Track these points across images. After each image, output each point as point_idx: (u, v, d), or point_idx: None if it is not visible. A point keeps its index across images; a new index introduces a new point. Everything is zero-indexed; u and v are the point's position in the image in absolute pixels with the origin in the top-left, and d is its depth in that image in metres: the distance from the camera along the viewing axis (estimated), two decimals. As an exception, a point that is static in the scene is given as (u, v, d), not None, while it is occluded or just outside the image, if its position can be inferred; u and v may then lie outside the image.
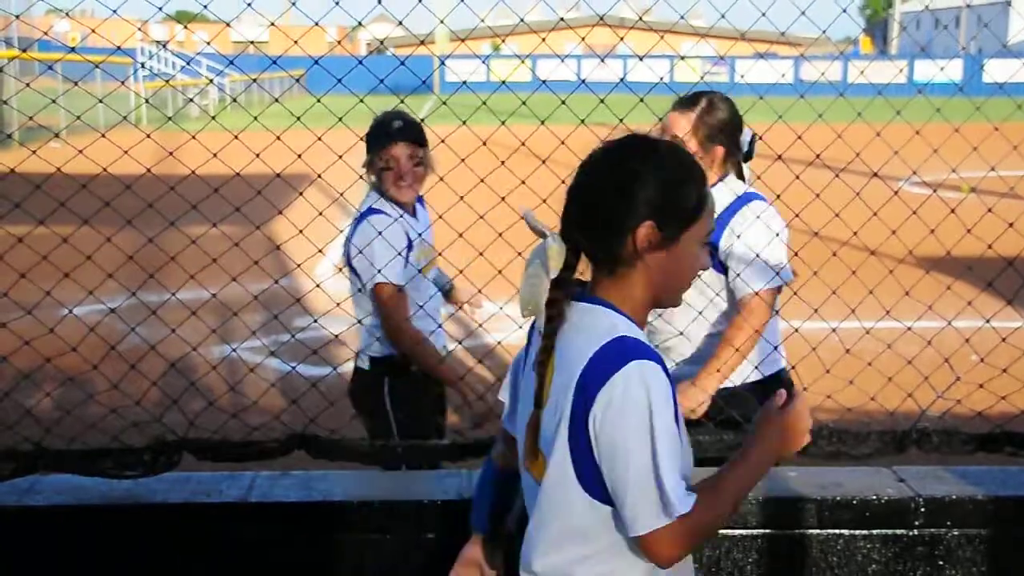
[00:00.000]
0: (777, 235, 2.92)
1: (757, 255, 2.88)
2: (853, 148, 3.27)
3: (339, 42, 3.26)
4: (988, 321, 3.29)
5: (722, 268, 2.96)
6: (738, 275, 2.90)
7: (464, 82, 2.92)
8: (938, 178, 9.72)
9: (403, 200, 3.41)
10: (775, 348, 3.03)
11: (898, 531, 2.51)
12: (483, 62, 4.15)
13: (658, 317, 2.97)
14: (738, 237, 2.91)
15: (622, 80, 3.09)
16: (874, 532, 2.51)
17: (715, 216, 1.81)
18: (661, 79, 3.25)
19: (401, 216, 3.38)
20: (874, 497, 2.52)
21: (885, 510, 2.52)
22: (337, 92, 3.22)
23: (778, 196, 3.02)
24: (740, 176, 3.10)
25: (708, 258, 1.79)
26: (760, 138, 3.11)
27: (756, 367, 2.95)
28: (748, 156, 3.13)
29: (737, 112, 3.07)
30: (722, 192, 2.98)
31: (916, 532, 2.51)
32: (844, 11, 3.06)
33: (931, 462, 2.78)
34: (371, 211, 3.36)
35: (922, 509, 2.52)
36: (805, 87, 3.28)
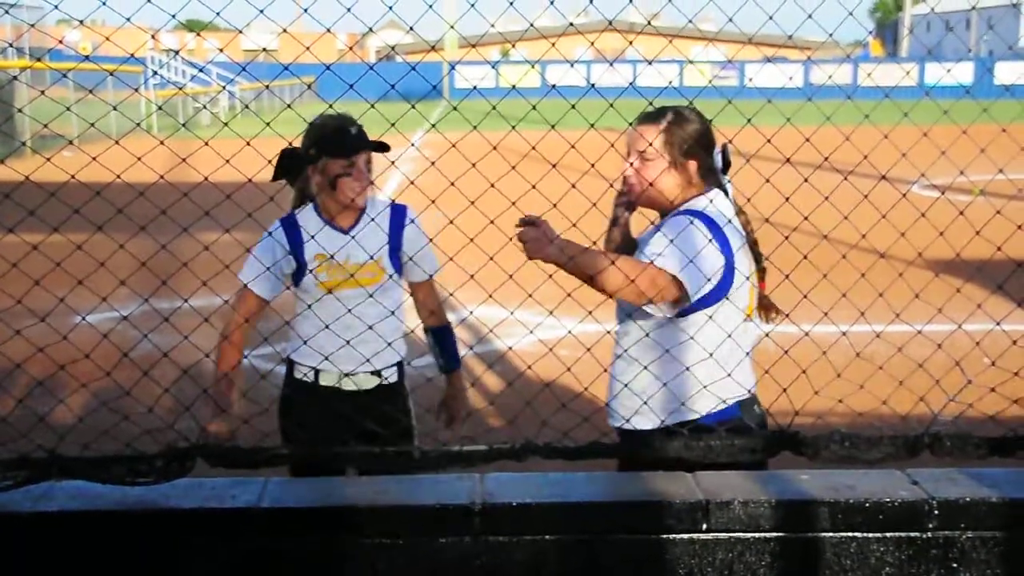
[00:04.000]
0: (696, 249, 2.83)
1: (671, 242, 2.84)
2: (861, 151, 3.27)
3: (350, 48, 3.27)
4: (999, 324, 3.28)
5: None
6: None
7: (475, 87, 2.93)
8: (947, 180, 9.71)
9: (358, 205, 3.41)
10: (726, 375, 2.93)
11: (912, 533, 2.51)
12: (493, 67, 4.18)
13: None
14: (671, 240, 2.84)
15: (631, 84, 3.09)
16: (888, 535, 2.50)
17: None
18: (670, 83, 3.26)
19: (320, 221, 3.38)
20: (887, 500, 2.52)
21: (899, 512, 2.51)
22: (347, 99, 3.24)
23: (787, 199, 3.02)
24: (723, 189, 3.04)
25: None
26: (731, 143, 3.08)
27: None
28: (725, 167, 3.09)
29: (707, 122, 3.02)
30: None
31: (930, 535, 2.51)
32: (851, 14, 3.05)
33: (944, 465, 2.78)
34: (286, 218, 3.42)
35: (936, 512, 2.51)
36: (814, 90, 3.28)
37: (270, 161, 3.30)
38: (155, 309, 3.21)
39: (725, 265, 2.85)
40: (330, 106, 3.32)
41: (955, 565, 2.51)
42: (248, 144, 2.75)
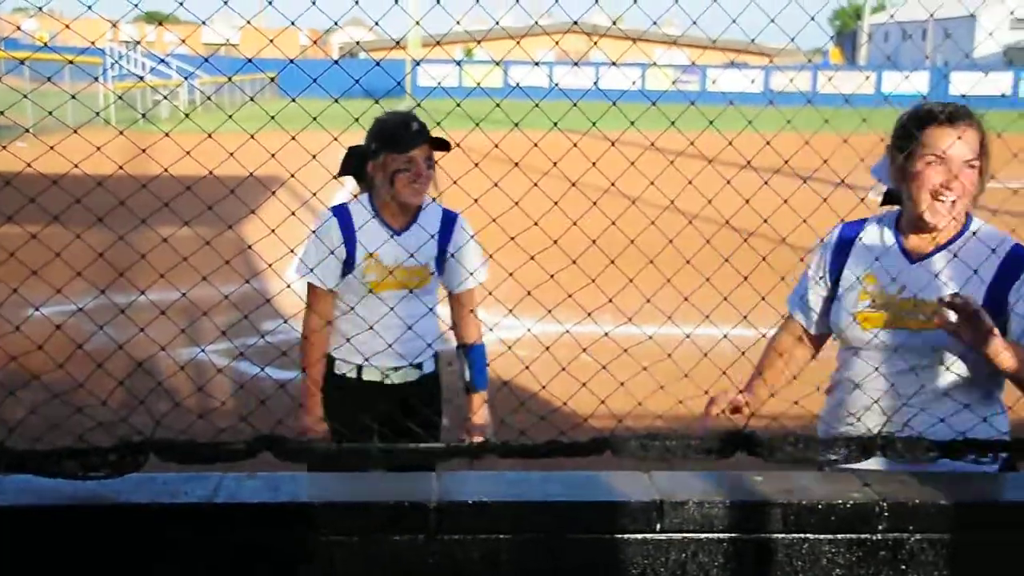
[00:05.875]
0: None
1: None
2: (821, 155, 3.31)
3: (314, 42, 3.25)
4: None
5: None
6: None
7: (439, 84, 2.93)
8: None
9: (414, 203, 3.42)
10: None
11: (862, 535, 2.54)
12: (457, 65, 4.20)
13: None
14: None
15: (595, 85, 3.11)
16: (839, 536, 2.53)
17: None
18: (633, 84, 3.28)
19: (372, 219, 3.38)
20: (839, 501, 2.54)
21: (850, 514, 2.54)
22: (308, 95, 3.22)
23: (747, 201, 3.04)
24: None
25: None
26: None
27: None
28: None
29: None
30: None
31: (880, 536, 2.54)
32: (812, 19, 3.08)
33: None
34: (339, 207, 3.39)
35: (886, 513, 2.55)
36: (774, 95, 3.31)
37: (231, 154, 3.28)
38: (111, 301, 3.17)
39: None
40: (293, 100, 3.29)
41: (903, 567, 2.54)
42: (210, 136, 2.74)
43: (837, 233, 3.08)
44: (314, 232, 3.41)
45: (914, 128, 2.79)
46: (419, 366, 3.62)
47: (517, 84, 2.90)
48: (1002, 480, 2.84)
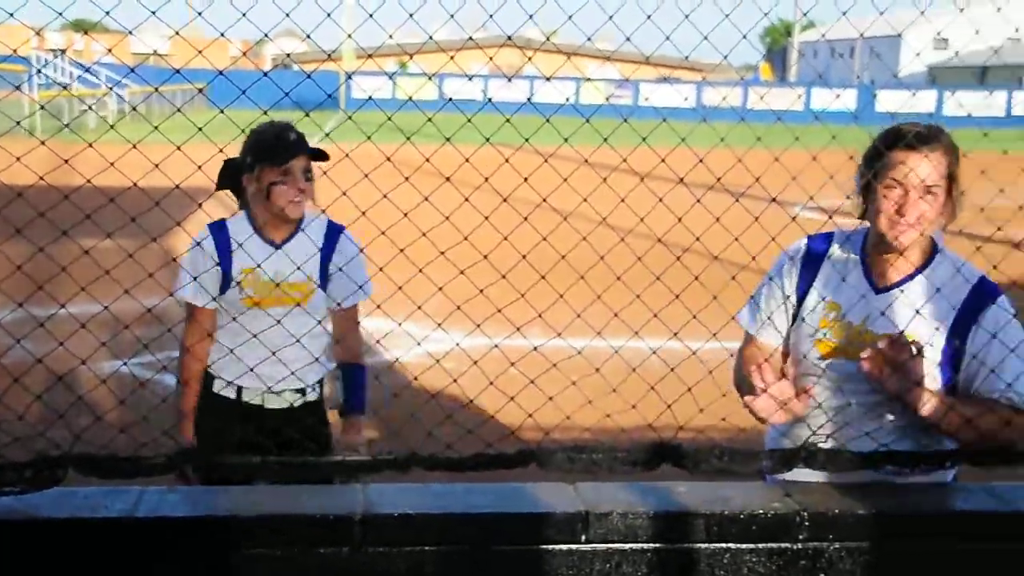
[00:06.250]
0: None
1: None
2: (753, 173, 3.36)
3: (244, 54, 3.23)
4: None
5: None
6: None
7: (370, 97, 2.93)
8: (834, 204, 9.99)
9: (292, 216, 3.32)
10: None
11: (783, 544, 2.58)
12: (389, 78, 4.18)
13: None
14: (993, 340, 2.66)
15: (528, 100, 3.13)
16: (760, 545, 2.57)
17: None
18: (567, 99, 3.30)
19: (251, 233, 3.29)
20: (761, 511, 2.59)
21: (771, 524, 2.58)
22: (240, 107, 3.20)
23: (679, 219, 3.08)
24: None
25: None
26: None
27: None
28: None
29: None
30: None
31: (800, 545, 2.58)
32: (744, 36, 3.13)
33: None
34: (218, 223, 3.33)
35: (806, 523, 2.59)
36: (707, 111, 3.37)
37: (156, 166, 3.24)
38: (30, 314, 3.11)
39: None
40: (221, 111, 3.26)
41: (822, 575, 2.59)
42: (135, 147, 2.70)
43: (804, 249, 2.98)
44: (189, 249, 3.34)
45: (883, 147, 2.73)
46: (302, 391, 3.46)
47: (450, 99, 2.91)
48: (921, 491, 2.90)
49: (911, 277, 2.77)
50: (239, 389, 3.39)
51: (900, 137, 2.70)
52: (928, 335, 2.71)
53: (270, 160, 3.24)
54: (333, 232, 3.44)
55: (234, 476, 2.62)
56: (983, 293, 2.70)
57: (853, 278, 2.83)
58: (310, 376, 3.42)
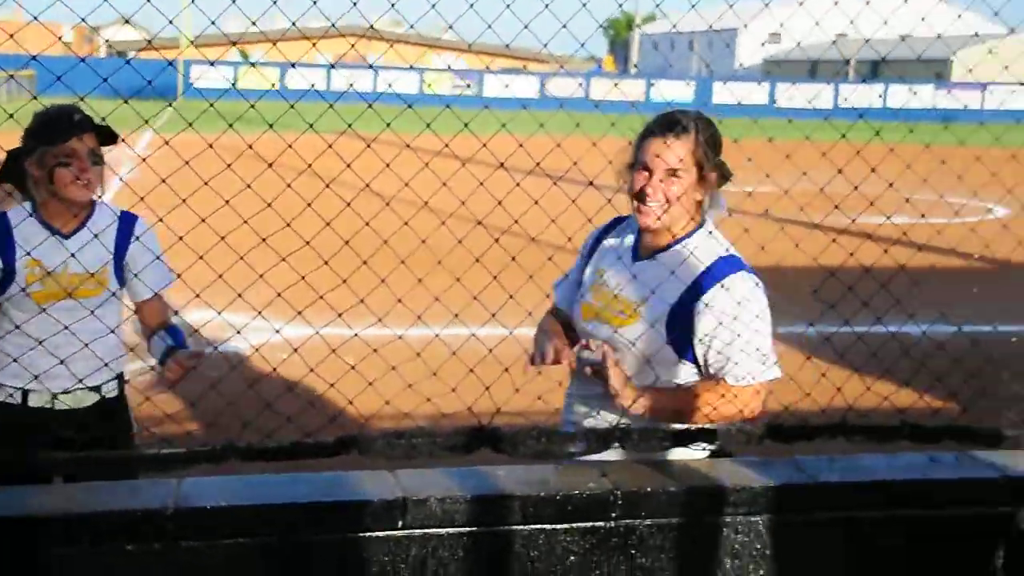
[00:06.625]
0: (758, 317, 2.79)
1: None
2: (572, 157, 3.42)
3: (59, 37, 3.09)
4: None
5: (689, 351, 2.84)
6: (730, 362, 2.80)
7: (192, 83, 2.85)
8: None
9: (78, 199, 3.14)
10: None
11: (597, 523, 2.65)
12: (210, 65, 4.08)
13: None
14: (720, 323, 2.77)
15: (351, 87, 3.11)
16: (574, 525, 2.63)
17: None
18: (390, 86, 3.29)
19: (34, 223, 3.10)
20: (576, 492, 2.65)
21: (585, 504, 2.64)
22: (68, 95, 3.04)
23: (499, 203, 3.11)
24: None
25: None
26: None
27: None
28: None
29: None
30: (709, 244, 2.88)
31: (613, 524, 2.65)
32: (580, 41, 3.16)
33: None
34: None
35: (620, 502, 2.66)
36: (529, 101, 3.42)
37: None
38: None
39: None
40: (34, 98, 3.09)
41: (634, 551, 2.67)
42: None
43: (603, 225, 3.18)
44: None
45: (639, 139, 2.94)
46: (97, 389, 3.28)
47: (272, 84, 2.87)
48: (730, 467, 3.01)
49: (663, 250, 2.91)
50: (24, 393, 3.18)
51: (649, 129, 2.92)
52: (662, 307, 2.86)
53: (50, 140, 3.05)
54: (127, 221, 3.29)
55: (36, 474, 2.53)
56: (713, 272, 2.83)
57: (623, 249, 3.01)
58: (103, 373, 3.28)
